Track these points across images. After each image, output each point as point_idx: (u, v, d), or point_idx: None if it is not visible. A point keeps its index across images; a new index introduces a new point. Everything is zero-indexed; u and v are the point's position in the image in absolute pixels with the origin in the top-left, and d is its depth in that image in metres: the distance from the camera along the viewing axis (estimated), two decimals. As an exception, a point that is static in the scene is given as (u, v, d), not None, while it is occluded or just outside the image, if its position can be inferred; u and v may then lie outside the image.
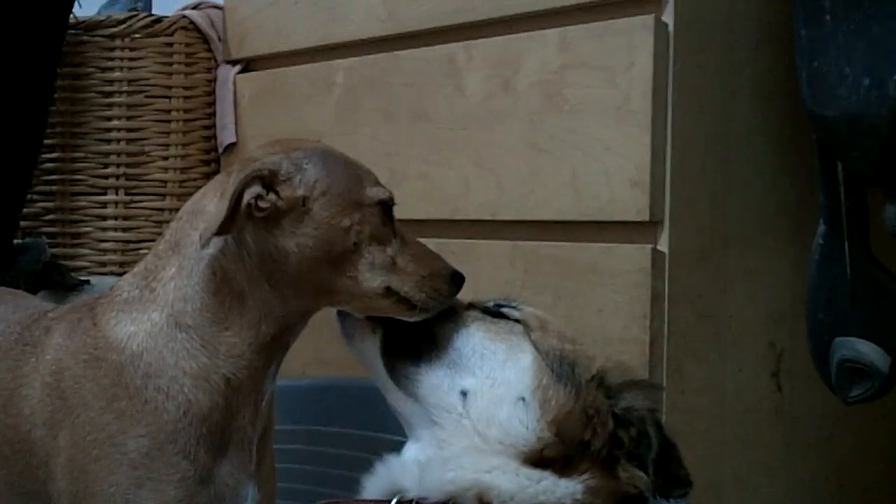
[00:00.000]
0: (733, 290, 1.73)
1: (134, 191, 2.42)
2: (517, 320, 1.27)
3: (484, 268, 1.86)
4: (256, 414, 1.16)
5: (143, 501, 1.10)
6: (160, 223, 2.41)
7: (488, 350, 1.24)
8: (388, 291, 1.16)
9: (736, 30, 1.72)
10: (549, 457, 1.19)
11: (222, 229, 1.08)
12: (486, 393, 1.21)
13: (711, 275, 1.70)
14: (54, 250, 2.42)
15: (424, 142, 1.98)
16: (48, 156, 2.46)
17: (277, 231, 1.12)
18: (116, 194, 2.42)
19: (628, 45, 1.66)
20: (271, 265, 1.12)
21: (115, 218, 2.42)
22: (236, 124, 2.41)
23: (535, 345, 1.24)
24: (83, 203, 2.45)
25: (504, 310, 1.29)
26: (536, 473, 1.18)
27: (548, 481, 1.17)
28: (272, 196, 1.10)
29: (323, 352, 1.89)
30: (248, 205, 1.09)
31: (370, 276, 1.15)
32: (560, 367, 1.23)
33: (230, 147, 2.43)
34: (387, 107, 2.06)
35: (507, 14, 1.86)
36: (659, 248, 1.65)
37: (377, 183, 1.18)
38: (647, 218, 1.64)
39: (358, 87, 2.13)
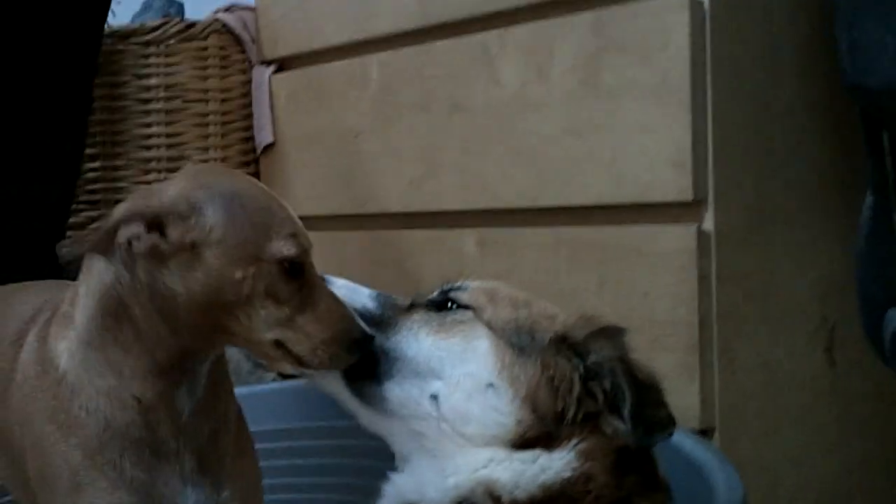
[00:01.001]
0: (781, 267, 1.71)
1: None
2: (465, 305, 1.25)
3: (527, 256, 1.85)
4: (178, 429, 1.14)
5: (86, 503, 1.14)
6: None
7: (442, 349, 1.22)
8: (280, 345, 1.11)
9: (773, 4, 1.70)
10: (534, 436, 1.17)
11: (93, 252, 1.07)
12: (454, 391, 1.19)
13: (758, 252, 1.69)
14: (99, 259, 2.44)
15: (461, 132, 1.97)
16: (90, 165, 2.47)
17: (164, 270, 1.07)
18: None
19: (663, 26, 1.65)
20: (161, 301, 1.09)
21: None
22: (273, 124, 2.42)
23: (488, 325, 1.22)
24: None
25: (451, 295, 1.26)
26: (529, 454, 1.16)
27: (542, 458, 1.16)
28: (153, 237, 1.05)
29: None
30: (127, 242, 1.05)
31: (262, 329, 1.10)
32: (519, 338, 1.21)
33: (268, 148, 2.44)
34: (422, 99, 2.05)
35: (540, 0, 1.85)
36: (704, 228, 1.63)
37: (292, 235, 1.09)
38: (690, 198, 1.63)
39: (393, 81, 2.13)
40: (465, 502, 1.16)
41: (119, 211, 1.05)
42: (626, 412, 1.16)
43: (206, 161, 2.44)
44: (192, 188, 1.07)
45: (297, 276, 1.10)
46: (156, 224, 1.05)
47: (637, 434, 1.16)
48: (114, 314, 1.11)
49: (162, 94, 2.43)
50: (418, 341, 1.23)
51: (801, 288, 1.73)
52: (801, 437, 1.74)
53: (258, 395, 1.74)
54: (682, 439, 1.44)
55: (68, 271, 2.30)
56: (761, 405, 1.69)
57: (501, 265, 1.89)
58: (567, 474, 1.15)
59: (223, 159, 2.45)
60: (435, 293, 1.29)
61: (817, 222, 1.75)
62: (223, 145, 2.46)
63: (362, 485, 1.87)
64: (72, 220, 2.42)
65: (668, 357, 1.63)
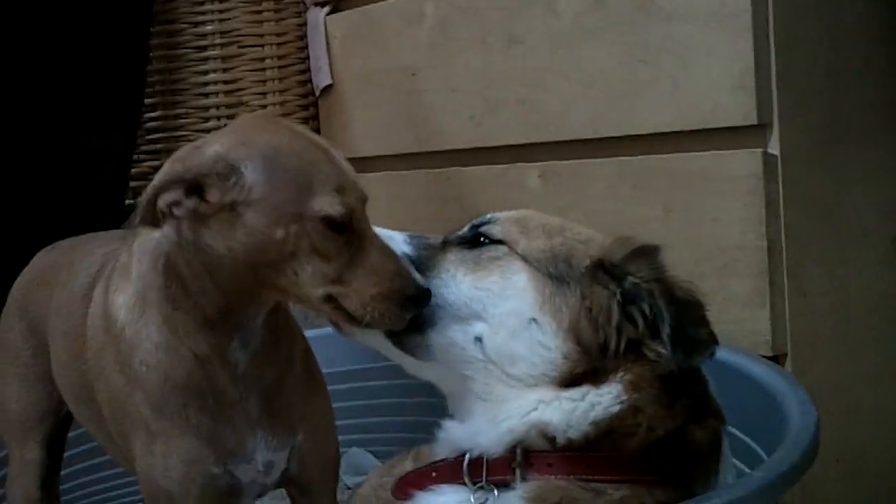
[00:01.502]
0: (850, 188, 1.68)
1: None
2: (498, 240, 1.21)
3: (591, 188, 1.84)
4: (236, 379, 1.15)
5: (161, 451, 1.16)
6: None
7: (482, 289, 1.18)
8: (331, 299, 1.10)
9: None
10: (581, 372, 1.15)
11: (144, 224, 1.07)
12: (498, 331, 1.17)
13: (826, 174, 1.66)
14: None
15: (520, 66, 1.96)
16: (150, 115, 2.49)
17: (206, 230, 1.07)
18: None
19: (722, -55, 1.62)
20: (206, 259, 1.10)
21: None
22: (330, 66, 2.41)
23: (524, 258, 1.19)
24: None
25: (482, 230, 1.23)
26: (577, 392, 1.14)
27: (590, 395, 1.13)
28: (192, 201, 1.04)
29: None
30: (167, 208, 1.05)
31: (310, 285, 1.08)
32: (556, 268, 1.18)
33: (326, 89, 2.43)
34: (479, 34, 2.03)
35: (594, -73, 1.82)
36: (770, 151, 1.61)
37: (338, 191, 1.07)
38: (755, 121, 1.60)
39: (448, 17, 2.11)
40: (519, 446, 1.15)
41: (158, 178, 1.05)
42: (664, 334, 1.13)
43: (264, 106, 2.44)
44: (231, 146, 1.06)
45: (345, 231, 1.07)
46: (195, 187, 1.04)
47: (677, 357, 1.13)
48: (164, 272, 1.13)
49: (218, 40, 2.44)
50: (457, 283, 1.20)
51: (872, 208, 1.70)
52: (876, 357, 1.72)
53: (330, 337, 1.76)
54: (754, 365, 1.44)
55: (131, 219, 2.34)
56: (833, 328, 1.67)
57: (565, 198, 1.88)
58: (616, 409, 1.13)
59: (281, 104, 2.46)
60: (465, 229, 1.26)
61: (887, 142, 1.72)
62: (281, 89, 2.46)
63: (432, 422, 1.89)
64: (134, 169, 2.44)
65: (738, 283, 1.62)
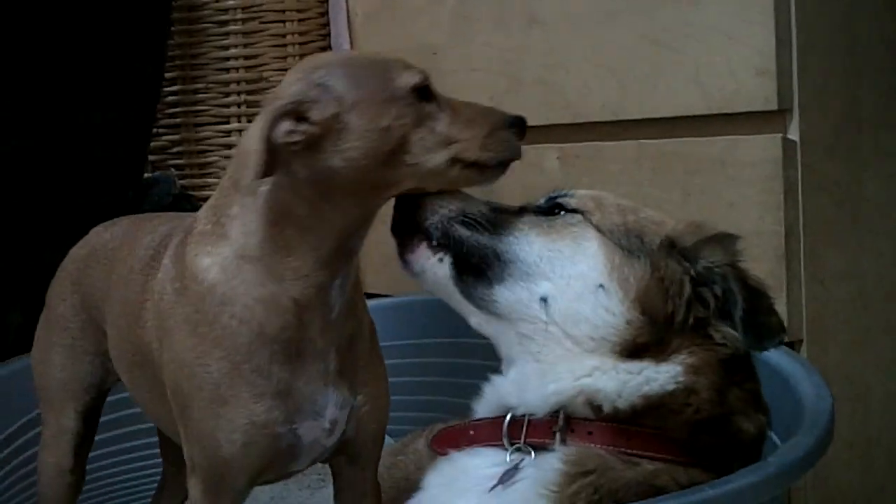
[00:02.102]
0: (869, 174, 1.68)
1: (256, 115, 2.44)
2: (574, 210, 1.24)
3: (609, 170, 1.84)
4: (325, 326, 1.18)
5: (229, 415, 1.17)
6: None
7: (553, 250, 1.22)
8: (454, 162, 1.15)
9: None
10: (643, 342, 1.17)
11: (262, 174, 1.08)
12: (564, 293, 1.19)
13: (845, 160, 1.66)
14: (183, 181, 2.47)
15: (540, 46, 1.95)
16: (170, 89, 2.50)
17: (321, 154, 1.11)
18: (239, 122, 2.45)
19: (745, -72, 1.61)
20: (325, 185, 1.13)
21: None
22: (351, 43, 2.41)
23: (597, 228, 1.22)
24: (208, 133, 2.49)
25: (560, 201, 1.26)
26: (635, 365, 1.16)
27: (648, 370, 1.16)
28: (304, 126, 1.09)
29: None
30: (284, 143, 1.08)
31: (430, 156, 1.14)
32: (628, 240, 1.21)
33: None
34: (500, 14, 2.03)
35: None
36: (789, 136, 1.61)
37: (406, 67, 1.15)
38: (775, 106, 1.60)
39: (470, -3, 2.11)
40: (563, 410, 1.17)
41: (260, 124, 1.08)
42: (737, 317, 1.16)
43: (284, 82, 2.44)
44: (307, 73, 1.12)
45: (431, 98, 1.15)
46: (299, 115, 1.09)
47: (748, 340, 1.16)
48: (276, 222, 1.15)
49: (239, 15, 2.44)
50: (529, 243, 1.23)
51: (890, 195, 1.70)
52: (891, 345, 1.72)
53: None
54: (769, 350, 1.44)
55: (150, 193, 2.34)
56: (849, 315, 1.67)
57: (583, 180, 1.88)
58: (671, 387, 1.15)
59: (302, 80, 2.46)
60: (542, 200, 1.29)
61: (907, 128, 1.72)
62: (302, 66, 2.46)
63: (447, 402, 1.91)
64: (153, 143, 2.45)
65: (755, 268, 1.60)
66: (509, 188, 2.04)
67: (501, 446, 1.20)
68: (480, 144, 1.16)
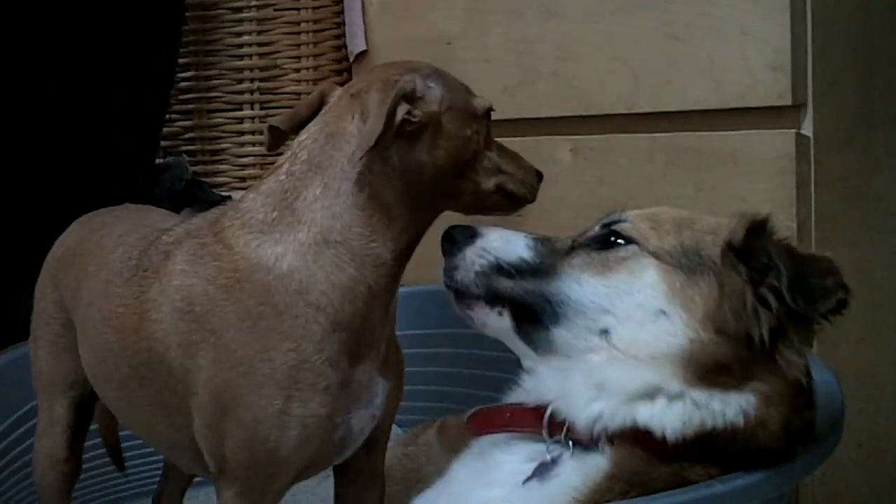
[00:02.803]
0: (882, 171, 1.68)
1: (269, 104, 2.45)
2: (629, 238, 1.21)
3: (621, 163, 1.84)
4: (386, 316, 1.19)
5: (292, 411, 1.14)
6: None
7: (609, 286, 1.19)
8: (499, 189, 1.21)
9: None
10: (721, 363, 1.12)
11: (377, 145, 1.10)
12: (625, 322, 1.16)
13: (858, 157, 1.66)
14: (195, 168, 2.47)
15: (555, 38, 1.95)
16: (183, 75, 2.49)
17: (418, 146, 1.16)
18: (252, 109, 2.45)
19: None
20: (412, 178, 1.16)
21: (252, 132, 2.45)
22: (366, 32, 2.41)
23: (654, 255, 1.19)
24: (220, 119, 2.49)
25: (615, 228, 1.23)
26: (704, 394, 1.11)
27: (716, 400, 1.11)
28: (417, 112, 1.15)
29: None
30: (400, 121, 1.13)
31: (485, 178, 1.20)
32: (688, 260, 1.18)
33: (361, 55, 2.43)
34: (515, 5, 2.03)
35: None
36: (803, 132, 1.61)
37: (475, 94, 1.23)
38: (789, 102, 1.60)
39: (485, -14, 2.11)
40: (604, 432, 1.13)
41: (380, 96, 1.13)
42: (784, 285, 1.12)
43: (298, 70, 2.44)
44: (414, 70, 1.18)
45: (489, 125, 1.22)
46: (414, 102, 1.15)
47: (798, 304, 1.11)
48: (365, 206, 1.15)
49: (254, 2, 2.43)
50: (580, 283, 1.20)
51: (903, 192, 1.70)
52: (902, 343, 1.72)
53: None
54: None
55: (162, 178, 2.34)
56: (860, 312, 1.66)
57: (595, 173, 1.89)
58: (739, 421, 1.10)
59: (315, 68, 2.46)
60: (596, 228, 1.26)
61: (920, 124, 1.71)
62: (315, 53, 2.46)
63: (458, 392, 1.91)
64: (165, 129, 2.45)
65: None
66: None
67: (537, 437, 1.18)
68: (520, 179, 1.22)
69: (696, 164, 1.73)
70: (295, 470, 1.19)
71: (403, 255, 1.18)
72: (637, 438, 1.11)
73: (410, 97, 1.15)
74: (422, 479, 1.44)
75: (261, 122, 2.44)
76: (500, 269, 1.24)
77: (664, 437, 1.10)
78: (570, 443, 1.15)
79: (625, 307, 1.17)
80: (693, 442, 1.10)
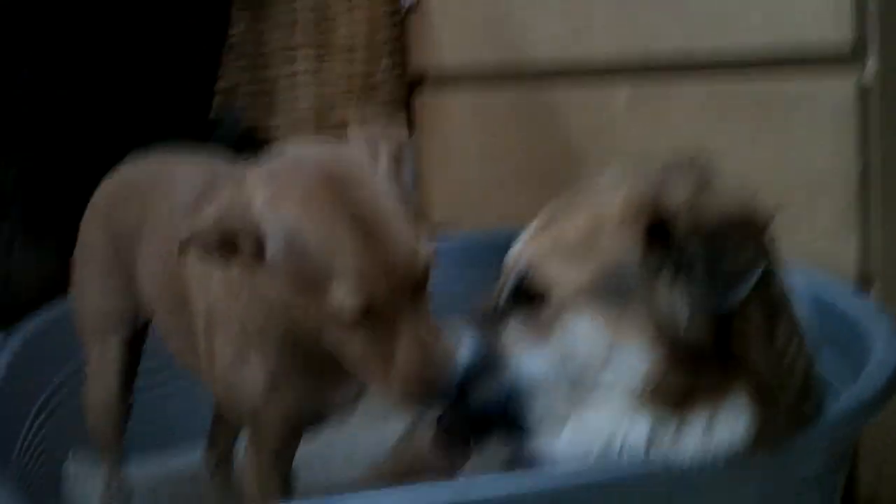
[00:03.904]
0: (945, 118, 1.66)
1: (322, 56, 2.45)
2: (542, 294, 1.08)
3: (678, 112, 1.83)
4: None
5: (247, 365, 1.20)
6: (351, 85, 2.44)
7: (554, 359, 1.08)
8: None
9: None
10: (689, 381, 1.02)
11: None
12: (585, 376, 1.06)
13: (921, 104, 1.63)
14: (249, 121, 2.48)
15: (612, -13, 1.94)
16: (237, 28, 2.49)
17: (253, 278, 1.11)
18: (306, 61, 2.45)
19: None
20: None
21: (306, 84, 2.45)
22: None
23: (574, 300, 1.06)
24: (274, 72, 2.49)
25: (525, 285, 1.10)
26: (696, 422, 1.03)
27: (720, 426, 1.02)
28: (225, 251, 1.06)
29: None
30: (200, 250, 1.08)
31: (341, 350, 1.09)
32: (611, 287, 1.06)
33: (414, 5, 2.42)
34: (571, -46, 2.02)
35: None
36: (864, 81, 1.59)
37: (356, 288, 1.02)
38: (850, 50, 1.58)
39: (539, -62, 2.09)
40: None
41: (195, 224, 1.07)
42: (696, 284, 1.00)
43: (351, 23, 2.44)
44: (261, 210, 1.05)
45: (368, 318, 1.04)
46: (228, 242, 1.06)
47: (714, 298, 1.00)
48: None
49: (306, -46, 2.43)
50: (527, 366, 1.09)
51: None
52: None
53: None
54: (839, 293, 1.42)
55: (215, 132, 2.35)
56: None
57: (651, 122, 1.87)
58: (750, 433, 1.03)
59: (368, 20, 2.45)
60: (507, 289, 1.13)
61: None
62: (368, 5, 2.46)
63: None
64: (219, 83, 2.46)
65: (826, 213, 1.61)
66: (577, 129, 2.04)
67: None
68: (386, 386, 1.06)
69: (754, 115, 1.71)
70: (282, 426, 1.22)
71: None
72: None
73: (223, 240, 1.06)
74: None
75: (314, 73, 2.44)
76: (462, 407, 1.12)
77: None
78: None
79: (577, 368, 1.07)
80: None
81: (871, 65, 1.58)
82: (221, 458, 1.70)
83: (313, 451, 1.41)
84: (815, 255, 1.59)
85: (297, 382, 1.20)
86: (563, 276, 1.08)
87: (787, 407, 1.06)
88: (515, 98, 2.17)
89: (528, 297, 1.10)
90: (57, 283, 1.84)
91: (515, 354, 1.11)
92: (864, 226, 1.58)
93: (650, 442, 1.04)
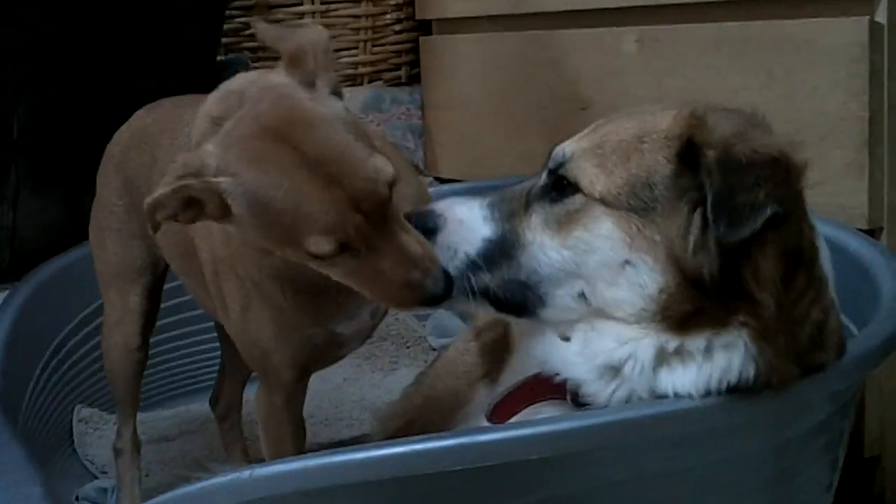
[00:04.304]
0: (958, 59, 1.63)
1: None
2: (574, 186, 1.10)
3: (688, 54, 1.80)
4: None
5: (254, 317, 1.23)
6: (357, 30, 2.42)
7: (570, 248, 1.10)
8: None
9: None
10: (691, 310, 1.04)
11: (155, 231, 1.08)
12: (596, 283, 1.09)
13: (934, 44, 1.61)
14: (256, 65, 2.46)
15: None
16: (243, -29, 2.48)
17: (232, 225, 1.08)
18: (312, 4, 2.43)
19: None
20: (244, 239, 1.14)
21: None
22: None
23: (602, 201, 1.09)
24: (280, 16, 2.47)
25: (560, 173, 1.12)
26: (699, 341, 1.04)
27: (718, 351, 1.03)
28: (191, 213, 1.05)
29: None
30: (164, 221, 1.06)
31: (334, 275, 1.09)
32: (638, 198, 1.08)
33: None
34: None
35: None
36: (877, 19, 1.56)
37: (325, 231, 1.03)
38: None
39: None
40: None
41: (158, 190, 1.05)
42: (708, 206, 1.02)
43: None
44: (223, 170, 1.04)
45: (344, 252, 1.05)
46: (193, 202, 1.05)
47: (719, 230, 1.01)
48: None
49: None
50: (545, 252, 1.12)
51: (980, 81, 1.65)
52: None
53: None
54: (849, 238, 1.42)
55: (222, 76, 2.34)
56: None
57: (661, 64, 1.85)
58: (753, 370, 1.03)
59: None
60: (543, 176, 1.16)
61: None
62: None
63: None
64: (226, 26, 2.44)
65: (837, 154, 1.59)
66: (586, 72, 2.02)
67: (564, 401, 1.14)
68: (381, 299, 1.10)
69: (766, 54, 1.69)
70: (291, 366, 1.24)
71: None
72: None
73: (189, 202, 1.04)
74: (486, 373, 1.43)
75: (322, 16, 2.42)
76: (472, 264, 1.14)
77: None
78: None
79: (591, 268, 1.09)
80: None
81: (884, 2, 1.56)
82: (230, 407, 1.71)
83: (326, 401, 1.42)
84: (824, 201, 1.56)
85: (301, 319, 1.21)
86: (596, 176, 1.10)
87: (797, 354, 1.06)
88: (524, 39, 2.15)
89: (559, 188, 1.13)
90: (63, 233, 1.84)
91: (536, 240, 1.13)
92: (873, 170, 1.56)
93: (656, 361, 1.06)
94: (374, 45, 2.45)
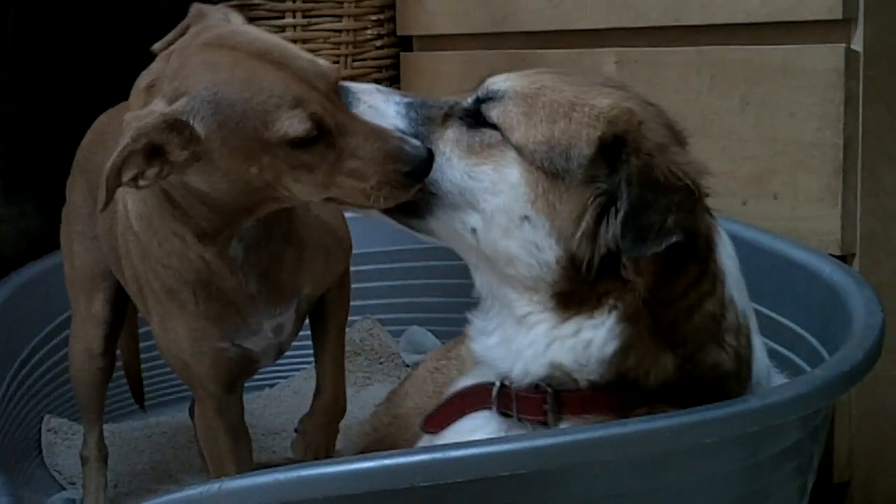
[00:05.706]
0: (932, 89, 1.65)
1: (311, 12, 2.42)
2: (493, 125, 1.10)
3: (667, 76, 1.81)
4: (234, 270, 1.21)
5: (171, 328, 1.26)
6: (338, 44, 2.42)
7: (475, 178, 1.09)
8: (330, 199, 1.12)
9: None
10: (569, 291, 1.06)
11: (106, 206, 1.08)
12: (490, 226, 1.09)
13: (909, 73, 1.63)
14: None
15: (601, -53, 1.92)
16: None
17: (189, 176, 1.09)
18: (294, 17, 2.43)
19: None
20: (197, 193, 1.13)
21: (294, 41, 2.43)
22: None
23: (518, 149, 1.08)
24: (262, 28, 2.47)
25: (483, 107, 1.12)
26: (572, 326, 1.06)
27: (585, 329, 1.05)
28: (156, 166, 1.04)
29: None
30: (132, 181, 1.05)
31: (305, 192, 1.10)
32: (552, 162, 1.07)
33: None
34: (563, -86, 2.00)
35: None
36: (853, 47, 1.58)
37: (294, 106, 1.04)
38: (839, 16, 1.57)
39: None
40: (544, 384, 1.09)
41: (114, 155, 1.04)
42: (620, 214, 1.02)
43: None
44: (175, 97, 1.04)
45: (320, 139, 1.06)
46: (155, 152, 1.04)
47: (625, 242, 1.02)
48: (163, 198, 1.17)
49: None
50: (451, 168, 1.11)
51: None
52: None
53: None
54: (822, 263, 1.42)
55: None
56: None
57: (640, 86, 1.83)
58: (612, 346, 1.05)
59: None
60: (471, 100, 1.15)
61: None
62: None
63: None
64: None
65: (811, 179, 1.60)
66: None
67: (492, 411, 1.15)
68: (365, 194, 1.08)
69: (744, 78, 1.70)
70: (212, 379, 1.28)
71: (220, 236, 1.18)
72: (583, 405, 1.08)
73: (150, 148, 1.04)
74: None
75: (303, 30, 2.42)
76: None
77: (590, 383, 1.07)
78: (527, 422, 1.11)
79: (490, 206, 1.08)
80: (613, 382, 1.07)
81: (860, 31, 1.57)
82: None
83: (298, 415, 1.42)
84: (797, 226, 1.60)
85: (212, 332, 1.25)
86: (519, 123, 1.10)
87: (676, 342, 1.07)
88: (505, 57, 2.15)
89: (482, 119, 1.12)
90: (41, 241, 1.83)
91: (446, 153, 1.12)
92: (846, 197, 1.58)
93: (548, 339, 1.07)
94: (354, 60, 2.45)
